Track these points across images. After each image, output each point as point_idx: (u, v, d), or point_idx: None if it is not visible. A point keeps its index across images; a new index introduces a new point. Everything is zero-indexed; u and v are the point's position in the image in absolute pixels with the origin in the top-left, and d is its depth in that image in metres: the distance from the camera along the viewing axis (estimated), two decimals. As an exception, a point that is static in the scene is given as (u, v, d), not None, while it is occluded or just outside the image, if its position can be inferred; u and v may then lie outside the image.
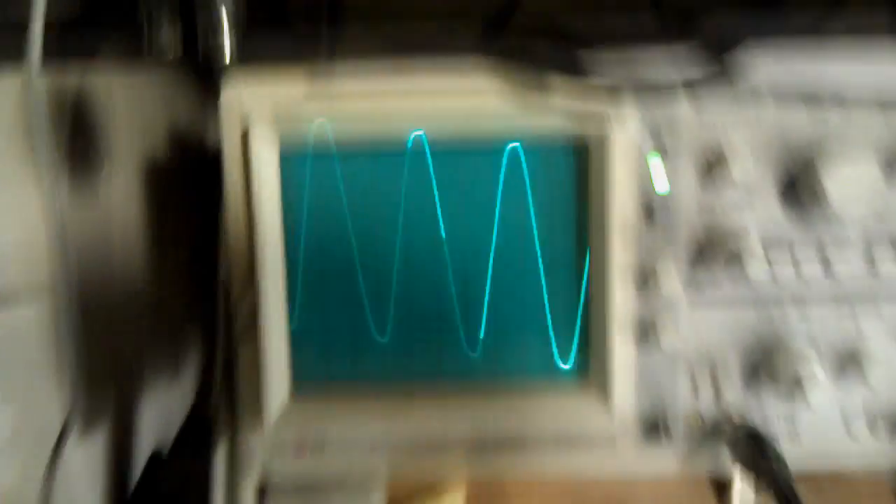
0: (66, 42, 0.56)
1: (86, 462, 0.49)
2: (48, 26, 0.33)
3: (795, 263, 0.44)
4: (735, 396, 0.46)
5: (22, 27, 0.34)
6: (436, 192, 0.45)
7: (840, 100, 0.42)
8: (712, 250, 0.43)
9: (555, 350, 0.47)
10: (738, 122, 0.43)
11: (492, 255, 0.46)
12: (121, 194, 0.54)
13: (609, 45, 0.43)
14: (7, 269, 0.45)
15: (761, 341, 0.45)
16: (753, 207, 0.44)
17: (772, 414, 0.46)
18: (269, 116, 0.44)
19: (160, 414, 0.63)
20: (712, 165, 0.43)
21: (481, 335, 0.46)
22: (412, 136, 0.44)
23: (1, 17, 0.56)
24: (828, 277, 0.45)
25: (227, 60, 0.42)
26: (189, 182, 0.70)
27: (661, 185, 0.44)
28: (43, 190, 0.45)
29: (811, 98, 0.43)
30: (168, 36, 0.43)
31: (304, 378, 0.47)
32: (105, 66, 0.55)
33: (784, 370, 0.43)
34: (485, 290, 0.46)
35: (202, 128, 0.74)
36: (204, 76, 0.70)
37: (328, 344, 0.47)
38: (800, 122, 0.43)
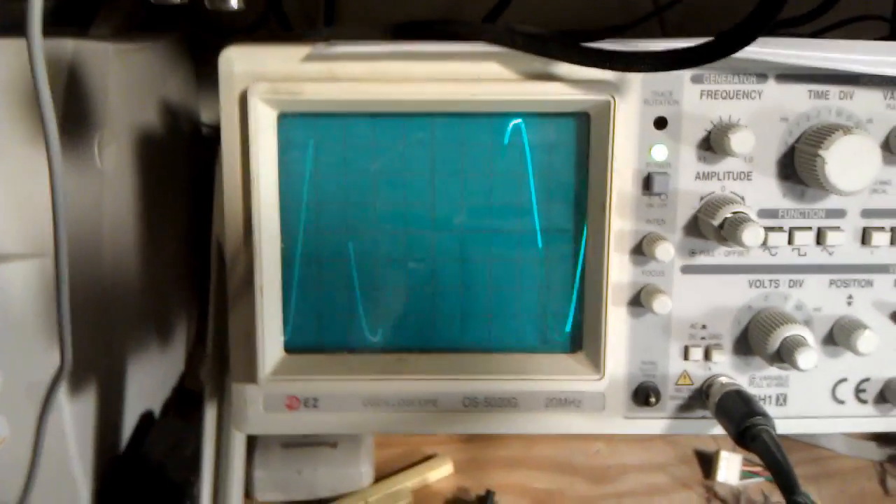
0: (65, 9, 0.55)
1: (77, 420, 0.49)
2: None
3: (790, 234, 0.45)
4: (725, 360, 0.47)
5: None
6: (434, 160, 0.45)
7: (840, 75, 0.43)
8: (707, 218, 0.44)
9: (550, 323, 0.47)
10: (738, 95, 0.44)
11: (489, 231, 0.46)
12: (114, 163, 0.53)
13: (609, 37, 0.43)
14: (-1, 230, 0.45)
15: (753, 308, 0.46)
16: (750, 178, 0.44)
17: (760, 377, 0.47)
18: (268, 75, 0.43)
19: (151, 378, 0.63)
20: (711, 136, 0.44)
21: (477, 311, 0.47)
22: (413, 106, 0.44)
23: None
24: (822, 249, 0.45)
25: (235, 3, 0.40)
26: (183, 152, 0.70)
27: (660, 153, 0.44)
28: (35, 153, 0.45)
29: (812, 73, 0.43)
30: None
31: (297, 335, 0.47)
32: (102, 35, 0.54)
33: (774, 335, 0.44)
34: (481, 267, 0.46)
35: (197, 99, 0.74)
36: (204, 35, 0.70)
37: (321, 312, 0.47)
38: (799, 96, 0.44)
